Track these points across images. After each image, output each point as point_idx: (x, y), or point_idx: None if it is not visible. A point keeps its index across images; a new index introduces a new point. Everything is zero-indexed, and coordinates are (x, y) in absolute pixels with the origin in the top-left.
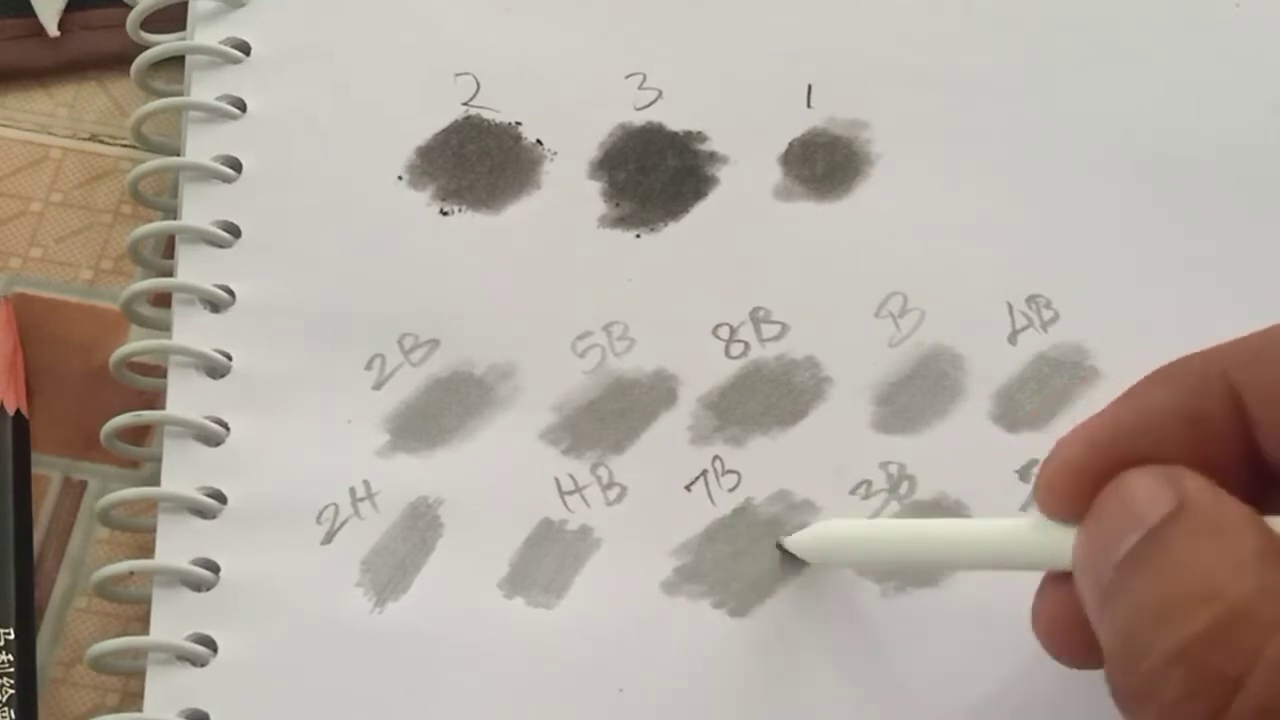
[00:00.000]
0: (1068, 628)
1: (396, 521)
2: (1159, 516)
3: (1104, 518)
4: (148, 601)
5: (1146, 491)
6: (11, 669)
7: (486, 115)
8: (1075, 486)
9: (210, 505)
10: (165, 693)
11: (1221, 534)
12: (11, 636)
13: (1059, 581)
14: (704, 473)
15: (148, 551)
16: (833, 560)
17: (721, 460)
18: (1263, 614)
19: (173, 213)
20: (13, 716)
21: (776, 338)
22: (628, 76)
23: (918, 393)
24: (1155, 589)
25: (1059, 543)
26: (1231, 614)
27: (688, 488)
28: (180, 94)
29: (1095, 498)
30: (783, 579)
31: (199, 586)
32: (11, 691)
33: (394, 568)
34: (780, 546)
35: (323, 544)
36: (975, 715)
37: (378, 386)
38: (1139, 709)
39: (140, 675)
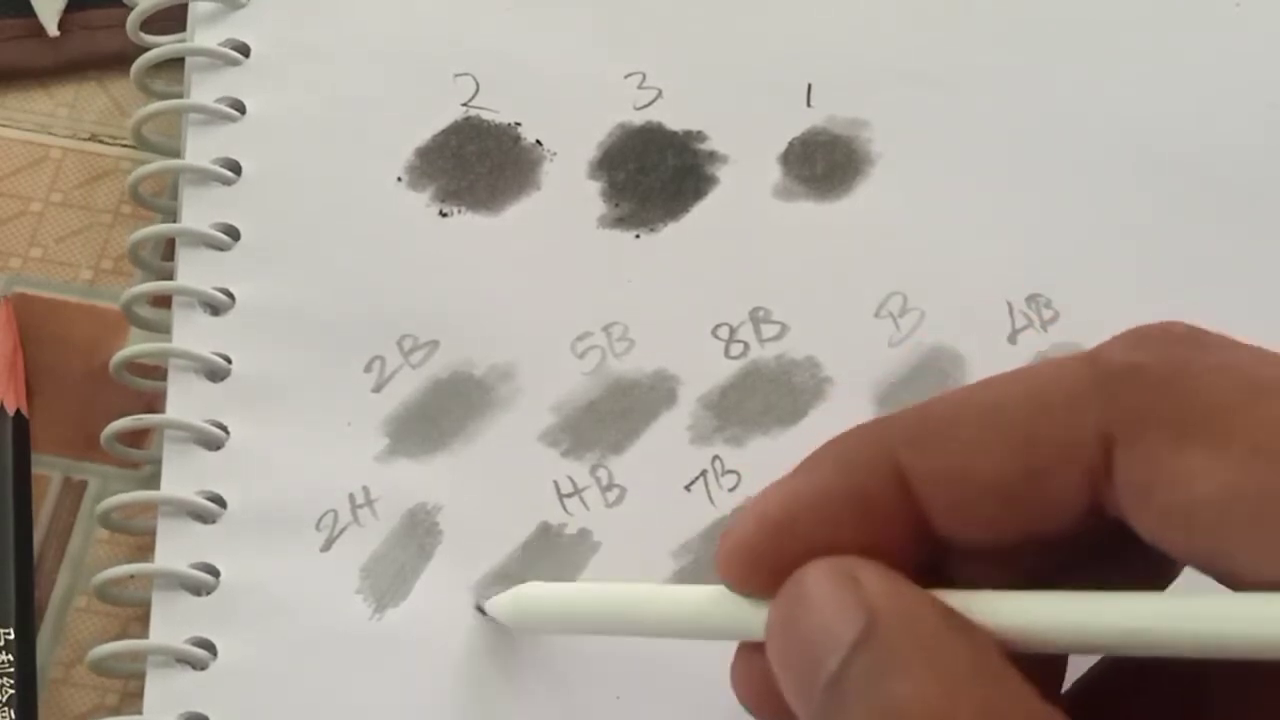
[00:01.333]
0: (766, 693)
1: (395, 528)
2: (852, 635)
3: (791, 626)
4: (148, 603)
5: (830, 599)
6: (11, 669)
7: (486, 116)
8: (753, 568)
9: (210, 509)
10: (164, 695)
11: (926, 654)
12: (11, 636)
13: (754, 648)
14: (704, 473)
15: (147, 551)
16: (533, 625)
17: (721, 460)
18: None
19: (172, 214)
20: (13, 716)
21: (776, 338)
22: (627, 76)
23: (918, 393)
24: None
25: (750, 617)
26: None
27: (687, 488)
28: (180, 95)
29: (775, 584)
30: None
31: (199, 590)
32: (11, 691)
33: (393, 575)
34: (480, 610)
35: (322, 550)
36: None
37: (377, 389)
38: None
39: (140, 676)
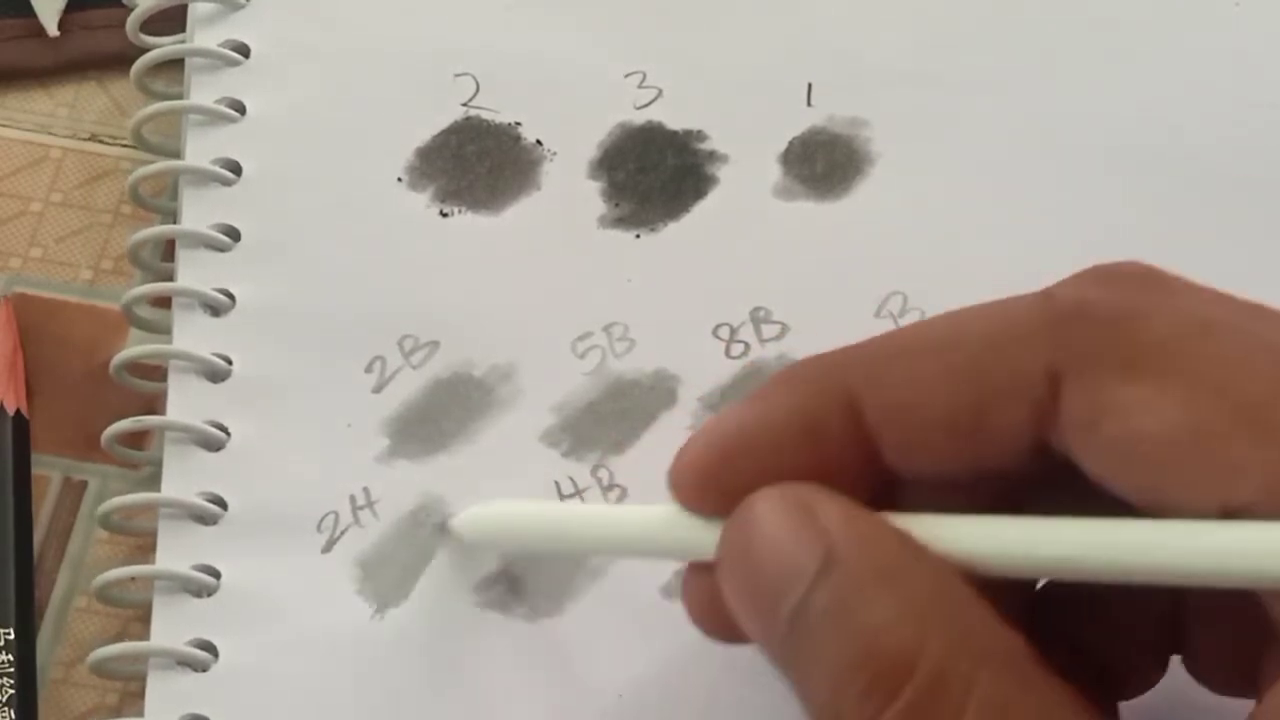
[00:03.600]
0: (717, 612)
1: (397, 529)
2: (813, 566)
3: (745, 556)
4: (148, 603)
5: (785, 529)
6: (11, 669)
7: (486, 116)
8: (704, 487)
9: (211, 511)
10: (166, 697)
11: (889, 579)
12: (11, 636)
13: (704, 567)
14: None
15: (148, 551)
16: (493, 541)
17: None
18: (958, 672)
19: (172, 215)
20: (13, 716)
21: (777, 338)
22: (627, 75)
23: None
24: (850, 658)
25: (702, 537)
26: (931, 681)
27: None
28: (180, 95)
29: (727, 506)
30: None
31: (200, 592)
32: (11, 691)
33: (394, 575)
34: (444, 528)
35: (323, 552)
36: None
37: (378, 389)
38: None
39: (141, 677)
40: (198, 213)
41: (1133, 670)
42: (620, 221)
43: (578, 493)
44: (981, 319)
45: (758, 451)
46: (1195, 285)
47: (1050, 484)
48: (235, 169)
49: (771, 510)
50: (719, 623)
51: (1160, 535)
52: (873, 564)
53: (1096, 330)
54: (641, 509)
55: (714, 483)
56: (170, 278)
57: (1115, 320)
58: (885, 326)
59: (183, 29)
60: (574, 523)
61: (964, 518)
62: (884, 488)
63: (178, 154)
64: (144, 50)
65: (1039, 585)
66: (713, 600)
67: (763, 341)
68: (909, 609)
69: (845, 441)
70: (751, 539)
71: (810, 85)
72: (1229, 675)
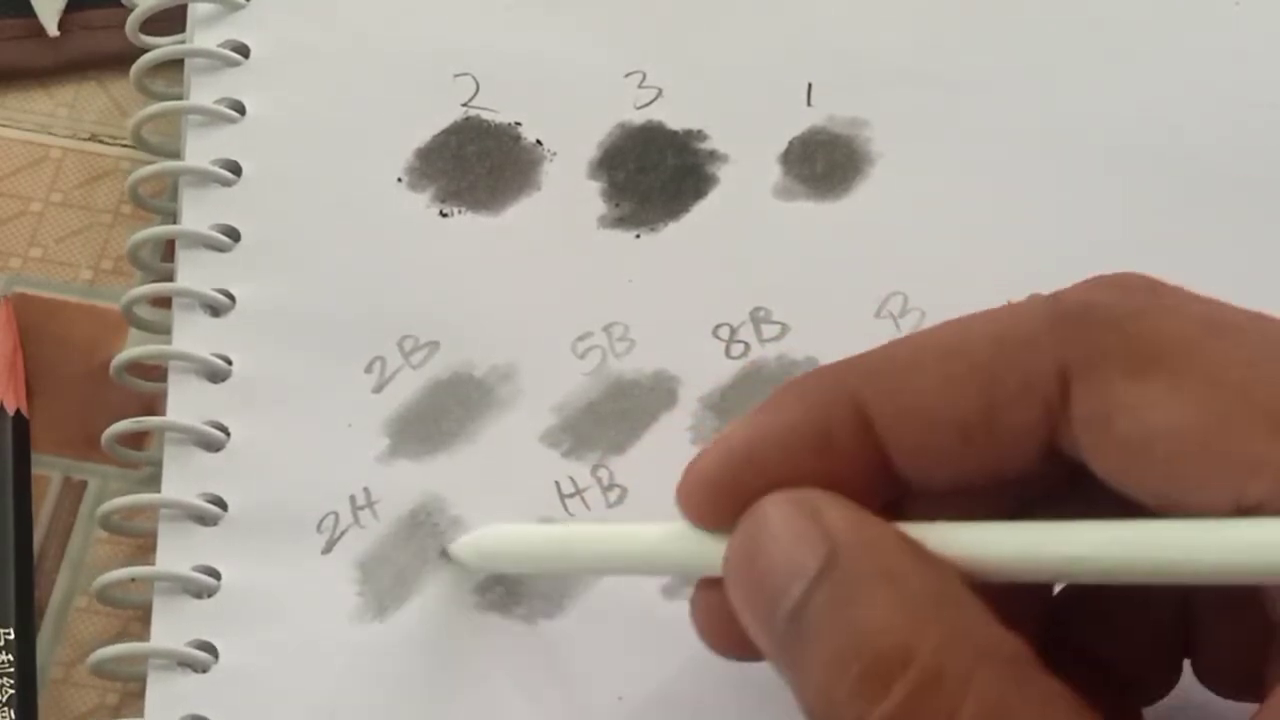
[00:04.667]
0: (726, 628)
1: (396, 530)
2: (815, 565)
3: (751, 558)
4: (148, 604)
5: (791, 530)
6: (11, 669)
7: (486, 116)
8: (713, 500)
9: (211, 512)
10: (166, 698)
11: (889, 582)
12: (11, 636)
13: (713, 583)
14: None
15: (148, 550)
16: (498, 565)
17: None
18: (954, 669)
19: (172, 215)
20: (13, 716)
21: (777, 338)
22: (627, 75)
23: None
24: (843, 652)
25: (710, 551)
26: (926, 677)
27: None
28: (180, 95)
29: (735, 518)
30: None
31: (200, 593)
32: (11, 691)
33: (394, 576)
34: (445, 553)
35: (323, 553)
36: None
37: (378, 390)
38: None
39: (141, 677)
40: (198, 213)
41: (1147, 675)
42: (620, 221)
43: (578, 492)
44: (988, 322)
45: (767, 464)
46: (1195, 294)
47: (1060, 491)
48: (235, 169)
49: (778, 512)
50: (728, 638)
51: (1171, 533)
52: (873, 564)
53: (1106, 329)
54: (648, 526)
55: (723, 497)
56: (170, 278)
57: (1124, 319)
58: (885, 326)
59: (183, 29)
60: (580, 543)
61: (970, 524)
62: (893, 497)
63: (178, 154)
64: (144, 50)
65: (1055, 592)
66: (721, 616)
67: (763, 341)
68: (906, 607)
69: (854, 451)
70: (757, 539)
71: (810, 85)
72: (1235, 678)
